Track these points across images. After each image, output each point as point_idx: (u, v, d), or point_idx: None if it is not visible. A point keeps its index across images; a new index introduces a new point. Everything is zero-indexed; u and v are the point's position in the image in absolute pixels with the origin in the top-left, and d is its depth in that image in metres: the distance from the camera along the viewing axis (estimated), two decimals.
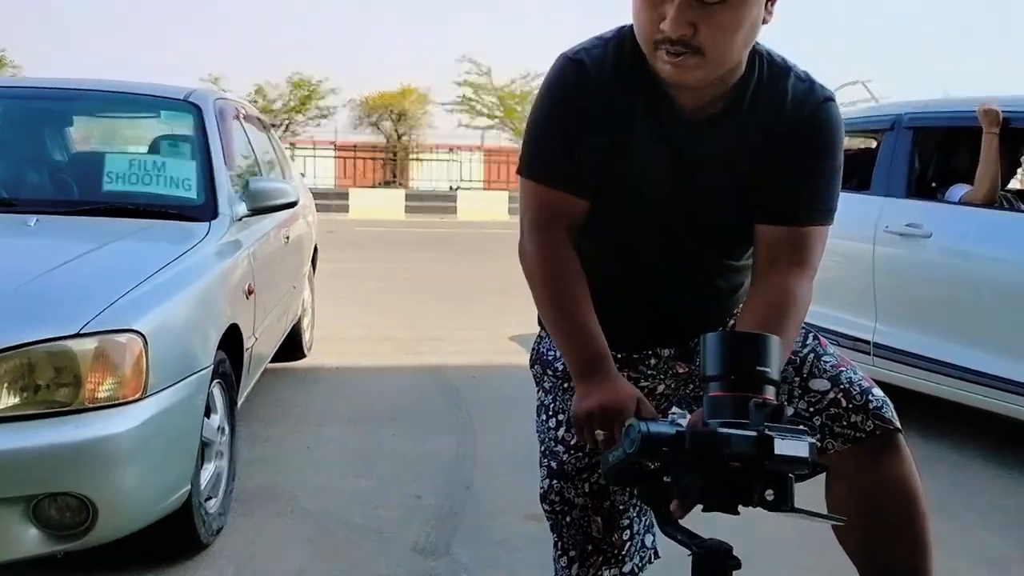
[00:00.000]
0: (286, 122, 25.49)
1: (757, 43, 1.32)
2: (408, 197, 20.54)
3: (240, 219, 3.19)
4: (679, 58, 1.22)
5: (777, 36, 1.34)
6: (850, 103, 13.67)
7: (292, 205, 3.42)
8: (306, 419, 3.90)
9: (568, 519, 1.53)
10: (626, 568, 1.55)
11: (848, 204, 4.80)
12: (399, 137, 27.09)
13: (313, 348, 5.14)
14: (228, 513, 2.74)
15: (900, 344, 3.90)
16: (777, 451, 0.96)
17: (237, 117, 4.00)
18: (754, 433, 0.98)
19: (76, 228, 2.90)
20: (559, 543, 1.55)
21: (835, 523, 1.16)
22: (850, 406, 1.42)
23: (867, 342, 4.02)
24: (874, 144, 4.82)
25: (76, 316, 2.10)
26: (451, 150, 26.77)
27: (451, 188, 24.08)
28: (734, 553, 1.03)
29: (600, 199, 1.40)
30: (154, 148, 3.59)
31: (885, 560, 1.44)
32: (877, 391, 1.46)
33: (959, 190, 3.92)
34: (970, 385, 3.58)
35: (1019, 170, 4.00)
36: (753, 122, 1.35)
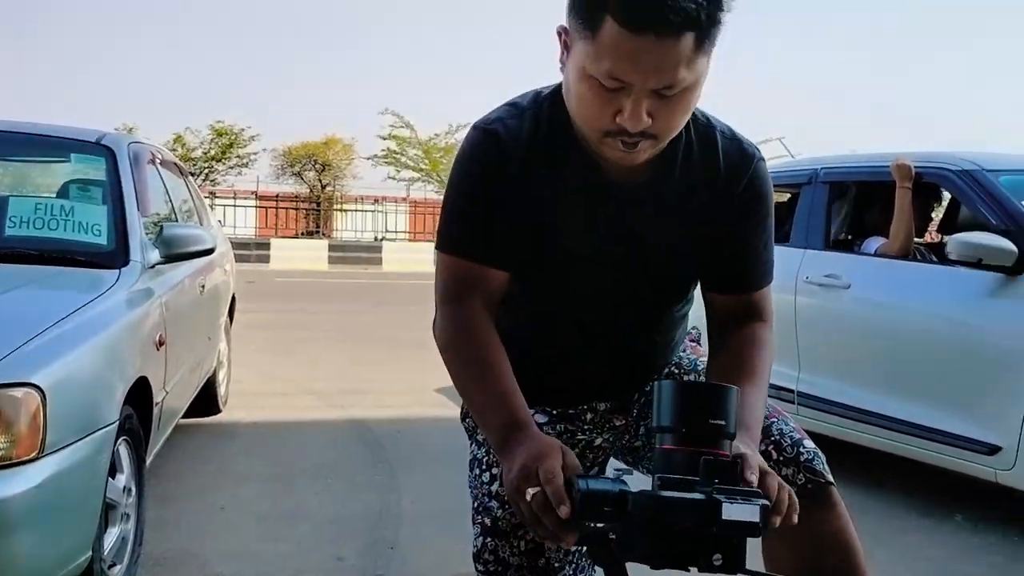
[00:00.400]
0: (206, 171, 25.04)
1: None
2: (332, 248, 20.29)
3: (153, 266, 3.04)
4: (635, 147, 1.18)
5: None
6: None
7: (208, 252, 3.28)
8: (221, 477, 3.71)
9: None
10: None
11: None
12: (323, 187, 26.86)
13: (229, 402, 4.94)
14: None
15: (822, 393, 3.95)
16: (724, 516, 0.91)
17: (152, 162, 3.86)
18: (701, 497, 0.93)
19: None
20: None
21: None
22: (781, 459, 1.38)
23: (791, 391, 4.07)
24: (787, 197, 4.97)
25: None
26: (376, 201, 26.65)
27: (376, 239, 23.91)
28: None
29: (534, 261, 1.35)
30: (64, 192, 3.42)
31: None
32: (808, 443, 1.43)
33: (874, 242, 4.03)
34: (889, 432, 3.64)
35: (931, 225, 4.14)
36: (686, 185, 1.33)
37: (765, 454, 1.37)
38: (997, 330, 3.37)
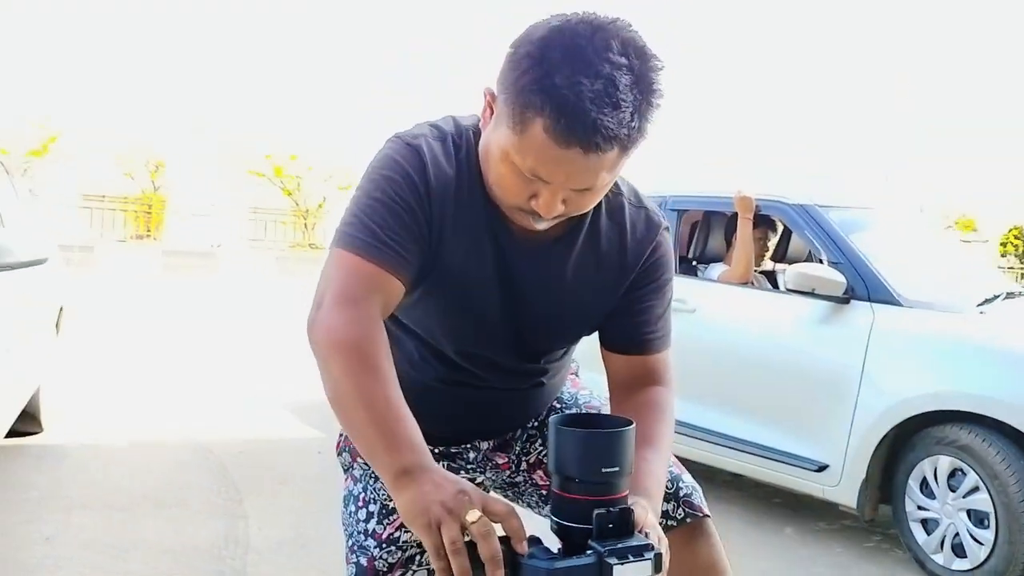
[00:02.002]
0: (24, 168, 23.17)
1: None
2: (166, 253, 19.25)
3: None
4: (544, 222, 1.19)
5: None
6: None
7: (39, 262, 3.03)
8: (45, 505, 3.42)
9: None
10: None
11: None
12: (155, 189, 25.44)
13: (54, 421, 4.57)
14: None
15: (679, 415, 4.10)
16: None
17: None
18: (592, 561, 0.96)
19: None
20: None
21: None
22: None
23: None
24: None
25: None
26: (212, 205, 25.48)
27: (213, 246, 22.89)
28: None
29: (426, 294, 1.31)
30: None
31: None
32: (687, 478, 1.48)
33: (717, 269, 4.25)
34: (728, 450, 3.83)
35: (767, 254, 4.38)
36: (591, 248, 1.33)
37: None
38: (826, 355, 3.62)
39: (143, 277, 15.82)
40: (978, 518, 3.10)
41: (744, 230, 3.99)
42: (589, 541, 0.98)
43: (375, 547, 1.40)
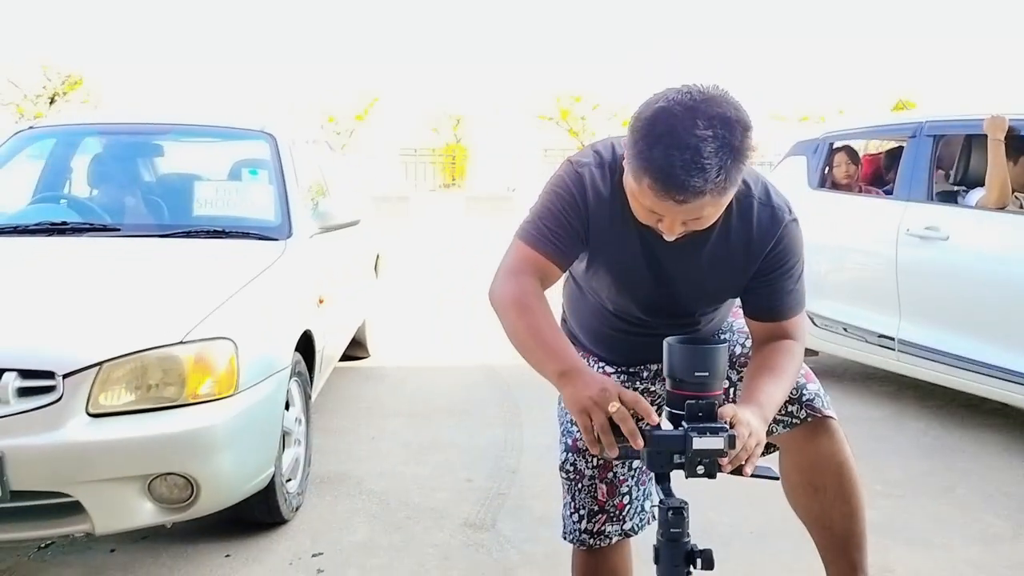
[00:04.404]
0: (351, 130, 26.27)
1: None
2: (467, 200, 20.99)
3: (311, 237, 3.60)
4: (671, 238, 1.52)
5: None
6: None
7: (354, 223, 3.83)
8: (370, 413, 4.33)
9: (580, 485, 1.90)
10: (627, 526, 1.92)
11: (873, 208, 5.00)
12: (457, 140, 27.58)
13: (376, 348, 5.59)
14: (305, 493, 3.17)
15: (922, 340, 4.13)
16: (694, 447, 1.34)
17: (307, 143, 4.43)
18: (679, 433, 1.36)
19: (173, 250, 3.29)
20: (572, 503, 1.93)
21: (773, 479, 1.51)
22: (788, 398, 1.73)
23: (892, 338, 4.27)
24: (889, 147, 5.09)
25: (179, 327, 2.52)
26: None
27: (509, 190, 24.48)
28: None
29: (594, 273, 1.72)
30: (235, 175, 4.03)
31: (825, 519, 1.78)
32: (812, 385, 1.79)
33: (975, 194, 4.14)
34: (985, 378, 3.81)
35: None
36: (722, 243, 1.64)
37: None
38: None
39: (448, 221, 17.45)
40: None
41: (996, 152, 3.86)
42: (682, 422, 1.39)
43: (576, 431, 1.89)
